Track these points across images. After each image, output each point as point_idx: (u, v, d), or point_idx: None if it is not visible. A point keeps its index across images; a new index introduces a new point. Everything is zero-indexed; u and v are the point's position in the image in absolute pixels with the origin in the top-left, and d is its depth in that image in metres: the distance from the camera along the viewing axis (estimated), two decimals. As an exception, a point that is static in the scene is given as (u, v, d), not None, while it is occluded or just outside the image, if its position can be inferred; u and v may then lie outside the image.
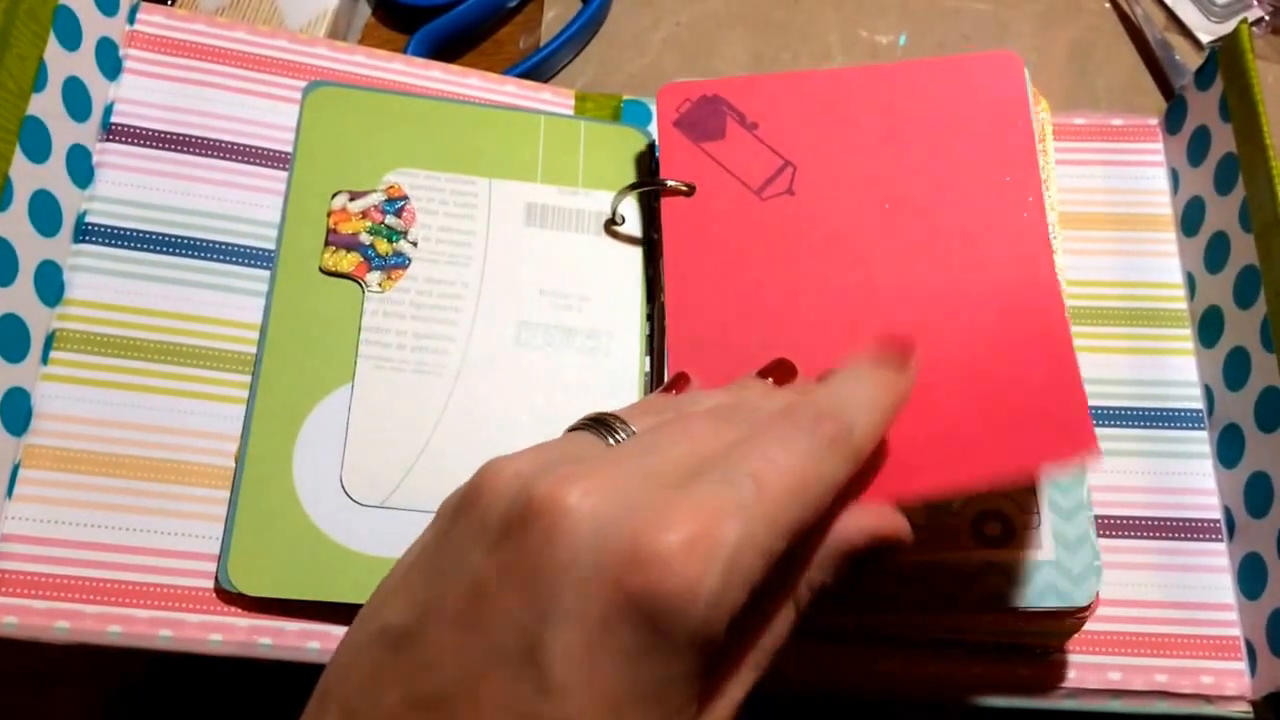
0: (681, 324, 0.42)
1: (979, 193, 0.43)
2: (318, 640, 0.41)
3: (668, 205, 0.45)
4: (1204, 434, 0.47)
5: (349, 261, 0.45)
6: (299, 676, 0.47)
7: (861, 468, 0.32)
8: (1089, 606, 0.40)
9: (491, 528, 0.28)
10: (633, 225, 0.47)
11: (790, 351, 0.38)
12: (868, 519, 0.32)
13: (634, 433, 0.32)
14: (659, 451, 0.30)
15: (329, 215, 0.46)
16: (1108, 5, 0.62)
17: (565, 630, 0.27)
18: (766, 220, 0.44)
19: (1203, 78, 0.49)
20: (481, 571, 0.28)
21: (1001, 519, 0.41)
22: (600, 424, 0.32)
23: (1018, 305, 0.41)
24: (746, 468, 0.29)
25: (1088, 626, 0.42)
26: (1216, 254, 0.47)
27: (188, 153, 0.47)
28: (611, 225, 0.47)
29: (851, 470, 0.31)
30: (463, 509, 0.30)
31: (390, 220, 0.46)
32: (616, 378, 0.45)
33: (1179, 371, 0.48)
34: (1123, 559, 0.44)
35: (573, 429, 0.33)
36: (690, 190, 0.45)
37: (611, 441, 0.31)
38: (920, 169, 0.44)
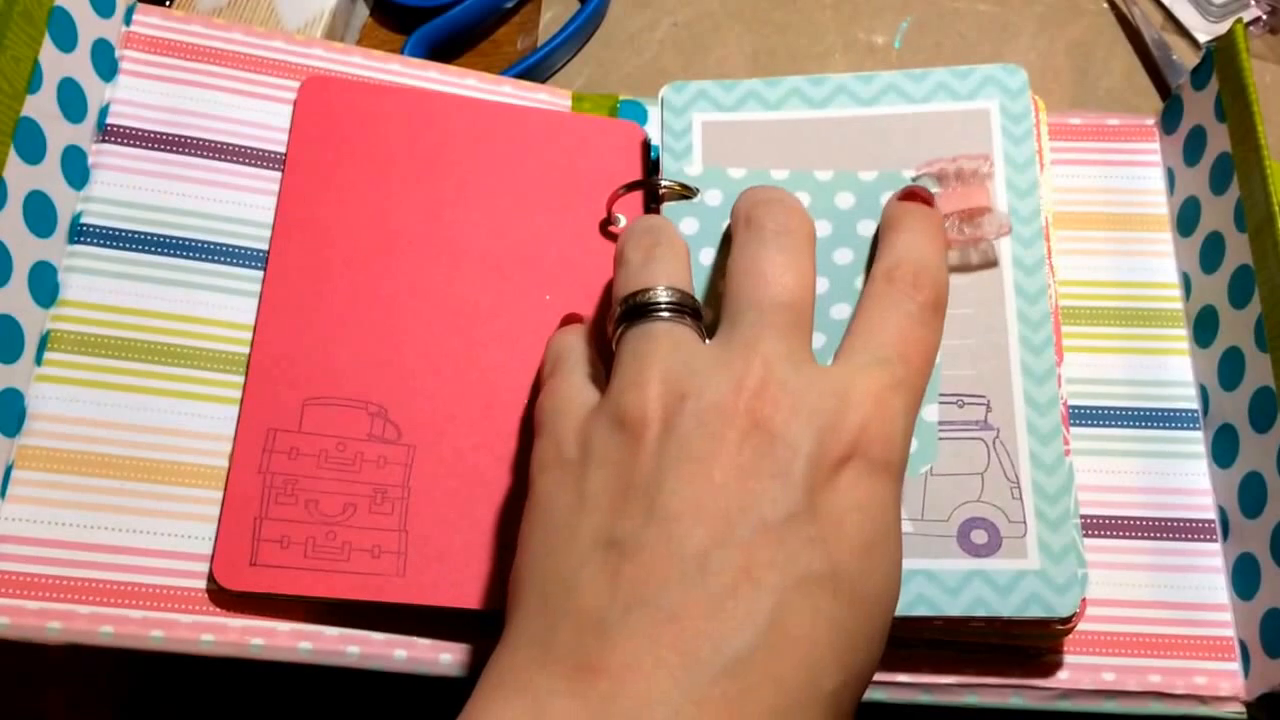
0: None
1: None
2: (309, 640, 0.41)
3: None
4: (1199, 434, 0.47)
5: None
6: (291, 677, 0.47)
7: None
8: (1072, 617, 0.40)
9: (702, 424, 0.34)
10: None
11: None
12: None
13: (668, 290, 0.37)
14: (772, 325, 0.36)
15: None
16: (1106, 5, 0.62)
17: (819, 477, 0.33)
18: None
19: (1198, 77, 0.49)
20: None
21: (988, 527, 0.41)
22: (638, 313, 0.37)
23: None
24: (887, 346, 0.36)
25: (1081, 627, 0.42)
26: (1212, 254, 0.47)
27: (184, 154, 0.47)
28: (607, 226, 0.47)
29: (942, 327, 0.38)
30: (638, 422, 0.34)
31: None
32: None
33: (1174, 371, 0.48)
34: (1117, 559, 0.44)
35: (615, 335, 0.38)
36: (693, 192, 0.45)
37: (666, 315, 0.37)
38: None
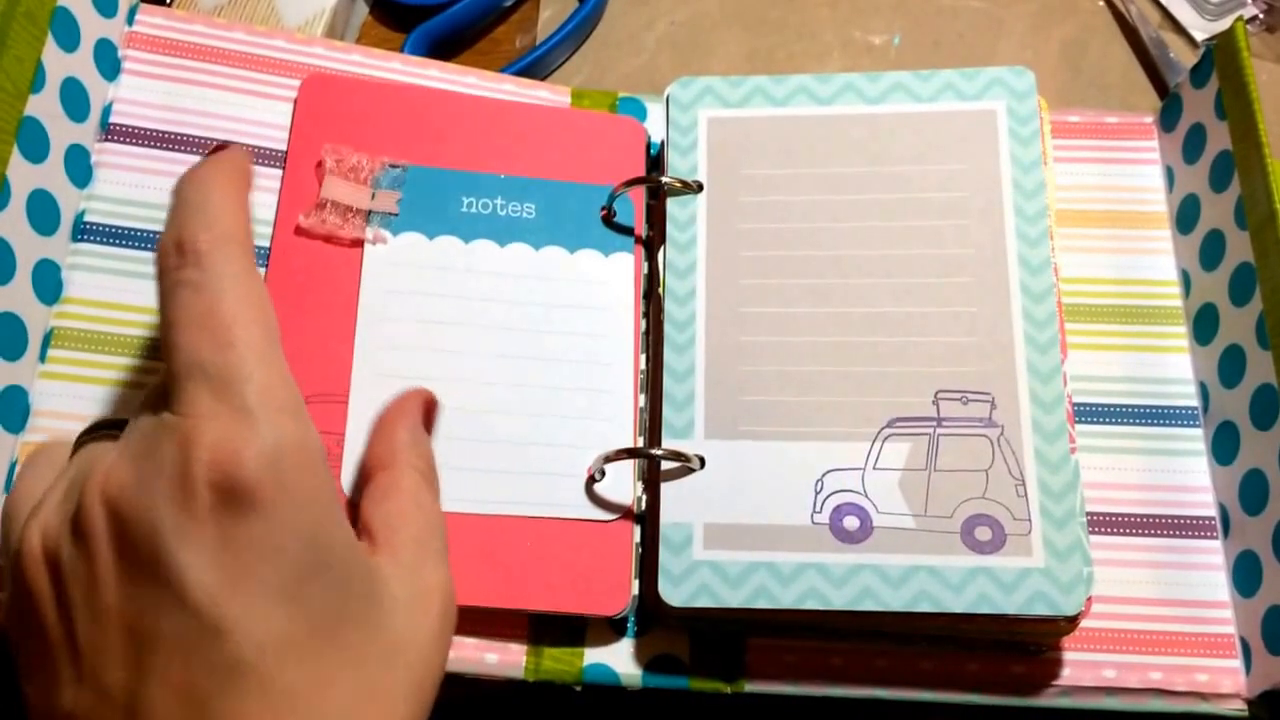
0: None
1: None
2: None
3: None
4: (1199, 431, 0.47)
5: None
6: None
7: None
8: (1077, 615, 0.40)
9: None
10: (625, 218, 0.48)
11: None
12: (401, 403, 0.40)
13: None
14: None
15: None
16: (1102, 3, 0.62)
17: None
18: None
19: (1198, 75, 0.49)
20: None
21: (992, 524, 0.41)
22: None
23: None
24: None
25: (1083, 624, 0.42)
26: (1212, 251, 0.47)
27: (186, 152, 0.47)
28: (609, 220, 0.47)
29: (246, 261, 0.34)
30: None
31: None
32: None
33: (1174, 369, 0.48)
34: (1118, 556, 0.45)
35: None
36: (699, 188, 0.45)
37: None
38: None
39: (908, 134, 0.46)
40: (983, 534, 0.41)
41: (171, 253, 0.33)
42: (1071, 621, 0.40)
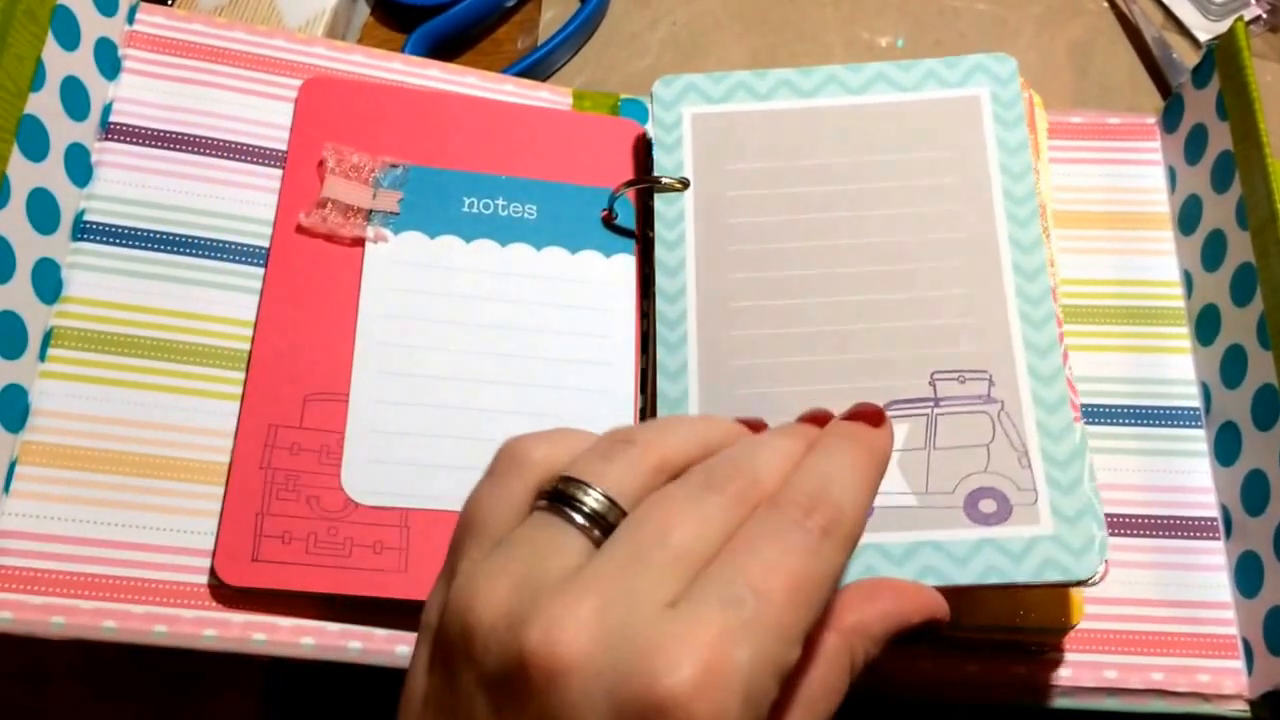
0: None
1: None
2: (311, 636, 0.41)
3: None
4: (1201, 432, 0.47)
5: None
6: (292, 675, 0.47)
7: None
8: (1093, 580, 0.39)
9: (493, 681, 0.27)
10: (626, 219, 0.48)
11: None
12: (927, 600, 0.33)
13: (602, 499, 0.29)
14: (646, 562, 0.28)
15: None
16: (1106, 4, 0.62)
17: None
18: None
19: (1200, 76, 0.49)
20: None
21: (997, 496, 0.40)
22: (563, 501, 0.29)
23: None
24: (744, 579, 0.27)
25: (1083, 625, 0.42)
26: (1213, 252, 0.47)
27: (186, 151, 0.47)
28: (610, 221, 0.47)
29: (848, 555, 0.29)
30: (458, 652, 0.28)
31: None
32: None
33: (1175, 369, 0.48)
34: (1120, 557, 0.44)
35: (544, 508, 0.30)
36: (685, 185, 0.45)
37: (579, 520, 0.29)
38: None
39: (892, 123, 0.46)
40: (987, 506, 0.40)
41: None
42: (1086, 584, 0.40)
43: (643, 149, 0.49)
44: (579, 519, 0.29)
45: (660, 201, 0.46)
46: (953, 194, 0.45)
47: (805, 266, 0.45)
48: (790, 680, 0.29)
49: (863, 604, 0.32)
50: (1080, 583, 0.39)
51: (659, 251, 0.45)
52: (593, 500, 0.29)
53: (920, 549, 0.40)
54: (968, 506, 0.40)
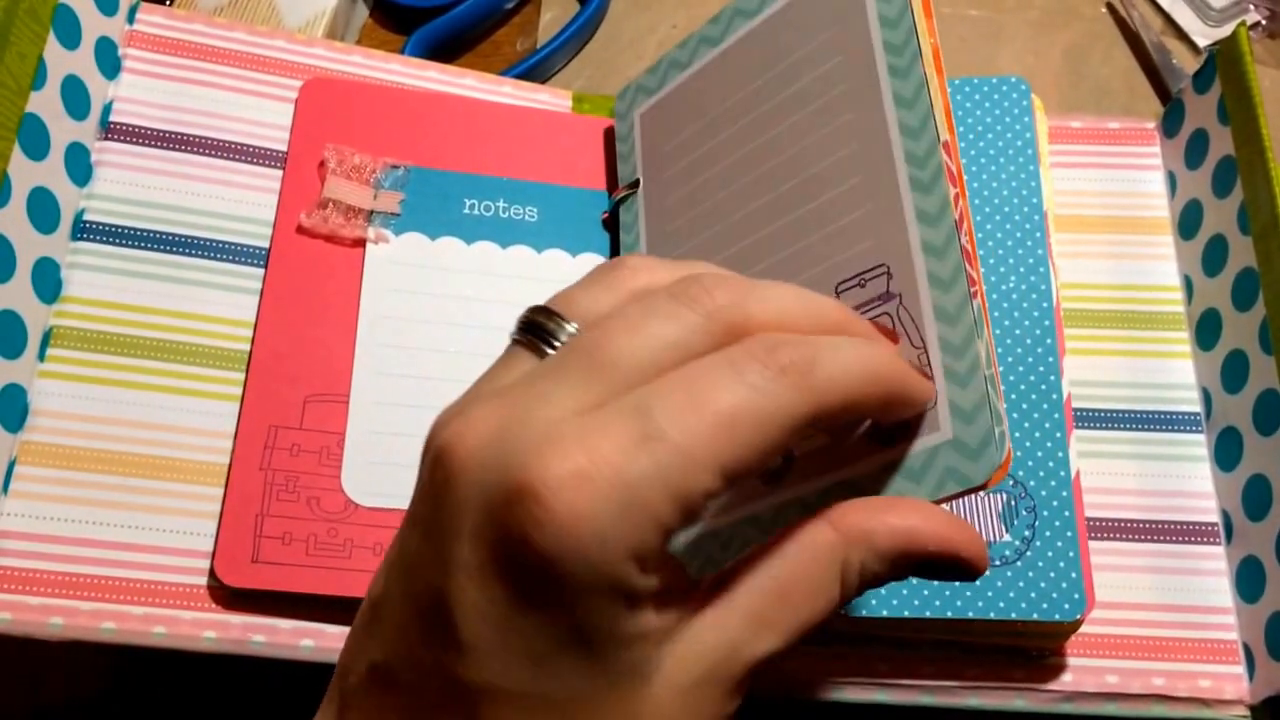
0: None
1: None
2: (311, 638, 0.41)
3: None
4: (1202, 437, 0.47)
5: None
6: (291, 675, 0.47)
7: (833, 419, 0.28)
8: (990, 482, 0.33)
9: (424, 490, 0.27)
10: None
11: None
12: (954, 531, 0.29)
13: (565, 325, 0.28)
14: (567, 368, 0.26)
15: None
16: (1104, 10, 0.62)
17: (466, 582, 0.25)
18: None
19: (1200, 81, 0.49)
20: (410, 534, 0.27)
21: None
22: (530, 331, 0.29)
23: None
24: (672, 398, 0.25)
25: (1085, 629, 0.42)
26: (1214, 257, 0.47)
27: (186, 152, 0.47)
28: (610, 223, 0.47)
29: (809, 410, 0.26)
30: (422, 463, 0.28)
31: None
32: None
33: (1175, 374, 0.48)
34: (1120, 562, 0.44)
35: (514, 339, 0.29)
36: (636, 185, 0.45)
37: (544, 349, 0.28)
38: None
39: (787, 30, 0.43)
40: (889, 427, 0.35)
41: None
42: (984, 487, 0.33)
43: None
44: (544, 347, 0.28)
45: (623, 211, 0.46)
46: (837, 79, 0.41)
47: (732, 213, 0.42)
48: (760, 559, 0.28)
49: (874, 512, 0.29)
50: (979, 487, 0.33)
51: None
52: (554, 326, 0.28)
53: (833, 493, 0.34)
54: (871, 431, 0.35)
